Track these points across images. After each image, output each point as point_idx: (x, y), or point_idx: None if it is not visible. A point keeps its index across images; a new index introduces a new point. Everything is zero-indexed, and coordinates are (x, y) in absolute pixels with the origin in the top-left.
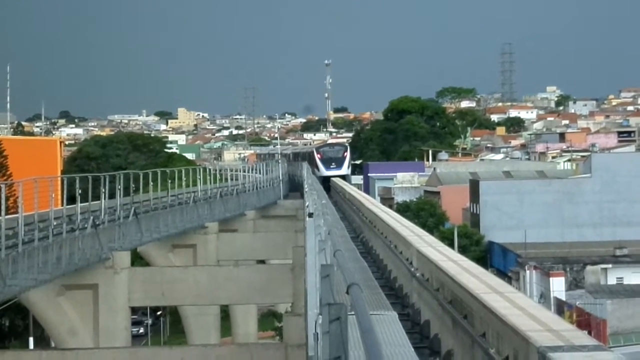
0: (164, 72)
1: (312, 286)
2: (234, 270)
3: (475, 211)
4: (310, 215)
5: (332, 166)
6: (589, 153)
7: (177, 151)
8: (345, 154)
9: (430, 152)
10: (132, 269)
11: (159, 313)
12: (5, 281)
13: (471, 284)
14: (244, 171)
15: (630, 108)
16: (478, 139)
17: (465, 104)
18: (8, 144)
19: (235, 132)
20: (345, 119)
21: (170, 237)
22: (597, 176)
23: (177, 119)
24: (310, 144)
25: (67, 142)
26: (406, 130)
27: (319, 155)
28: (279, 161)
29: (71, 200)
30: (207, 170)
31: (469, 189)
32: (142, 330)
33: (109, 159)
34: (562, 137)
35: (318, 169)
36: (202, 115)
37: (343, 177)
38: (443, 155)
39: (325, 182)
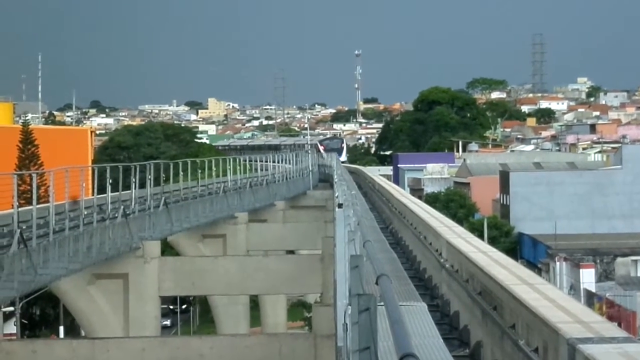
0: (195, 63)
1: (341, 276)
2: (264, 260)
3: (505, 202)
4: (340, 205)
5: None
6: (619, 144)
7: (208, 141)
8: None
9: (460, 143)
10: (162, 258)
11: (184, 307)
12: (37, 270)
13: (501, 275)
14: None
15: None
16: (508, 130)
17: (495, 95)
18: (39, 133)
19: (265, 122)
20: (375, 109)
21: (200, 227)
22: (627, 167)
23: (207, 109)
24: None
25: (97, 132)
26: (436, 121)
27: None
28: (309, 151)
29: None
30: (237, 160)
31: (499, 180)
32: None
33: (140, 149)
34: (592, 128)
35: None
36: (232, 106)
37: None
38: (473, 146)
39: None
